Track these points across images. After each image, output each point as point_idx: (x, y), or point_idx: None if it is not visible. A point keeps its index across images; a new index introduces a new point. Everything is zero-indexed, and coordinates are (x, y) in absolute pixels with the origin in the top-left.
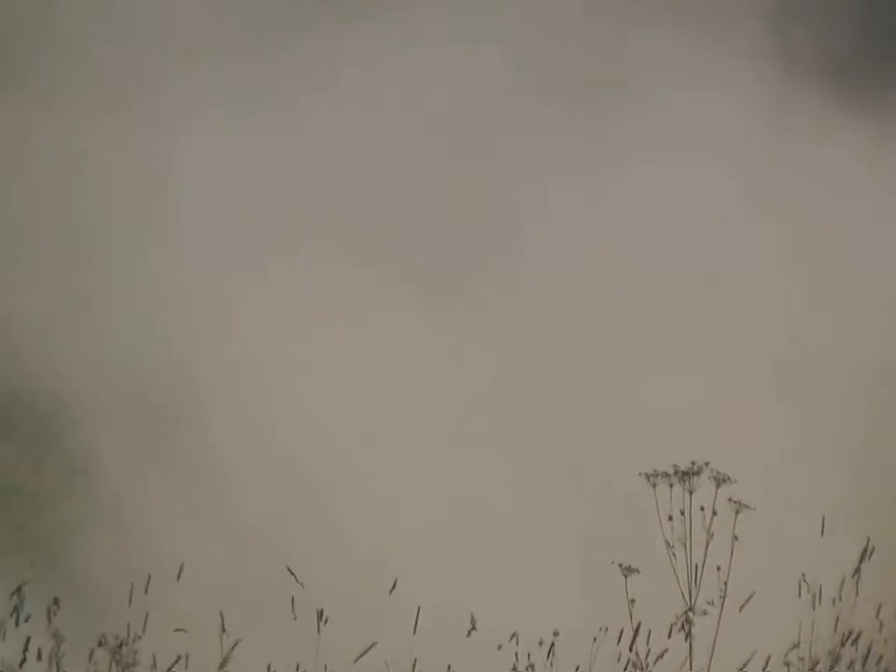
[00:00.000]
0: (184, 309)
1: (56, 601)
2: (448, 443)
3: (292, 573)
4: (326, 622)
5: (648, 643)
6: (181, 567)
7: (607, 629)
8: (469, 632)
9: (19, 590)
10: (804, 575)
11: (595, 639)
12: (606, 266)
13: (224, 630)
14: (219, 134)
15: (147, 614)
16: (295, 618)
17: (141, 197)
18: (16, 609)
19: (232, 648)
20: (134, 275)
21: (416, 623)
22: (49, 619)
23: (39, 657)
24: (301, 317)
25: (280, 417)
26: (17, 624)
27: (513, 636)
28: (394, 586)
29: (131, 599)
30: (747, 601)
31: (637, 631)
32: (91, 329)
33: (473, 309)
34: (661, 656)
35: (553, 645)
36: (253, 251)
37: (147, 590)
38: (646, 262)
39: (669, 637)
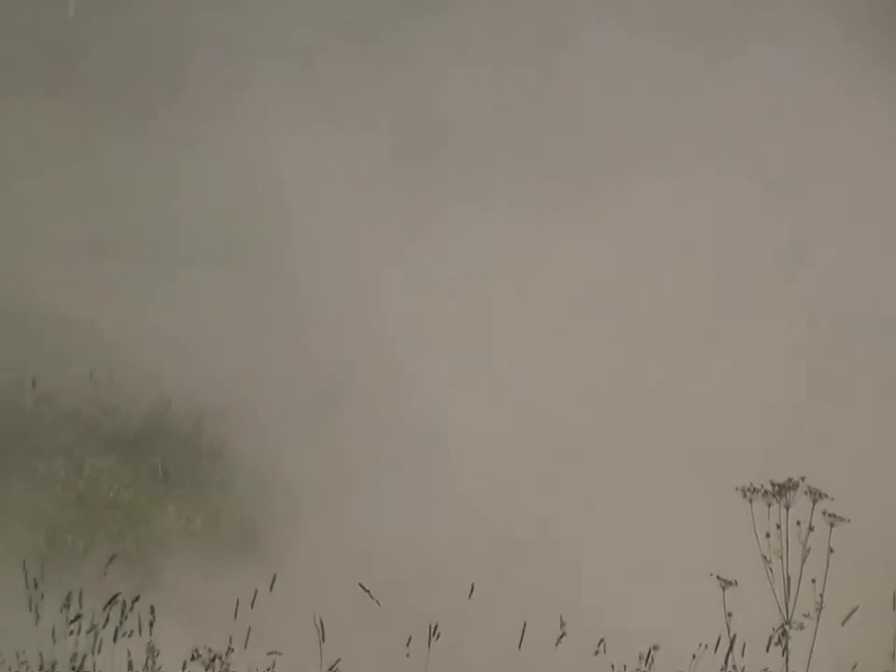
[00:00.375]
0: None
1: (152, 612)
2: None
3: (365, 592)
4: (438, 637)
5: (744, 656)
6: (273, 578)
7: (706, 645)
8: (560, 638)
9: (113, 600)
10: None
11: (693, 656)
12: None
13: (323, 640)
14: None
15: (249, 628)
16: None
17: (270, 199)
18: (108, 621)
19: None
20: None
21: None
22: (141, 631)
23: (130, 668)
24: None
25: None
26: (115, 640)
27: (601, 642)
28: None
29: (236, 613)
30: (849, 615)
31: (732, 644)
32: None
33: None
34: (759, 670)
35: (651, 658)
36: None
37: (253, 604)
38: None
39: (767, 650)
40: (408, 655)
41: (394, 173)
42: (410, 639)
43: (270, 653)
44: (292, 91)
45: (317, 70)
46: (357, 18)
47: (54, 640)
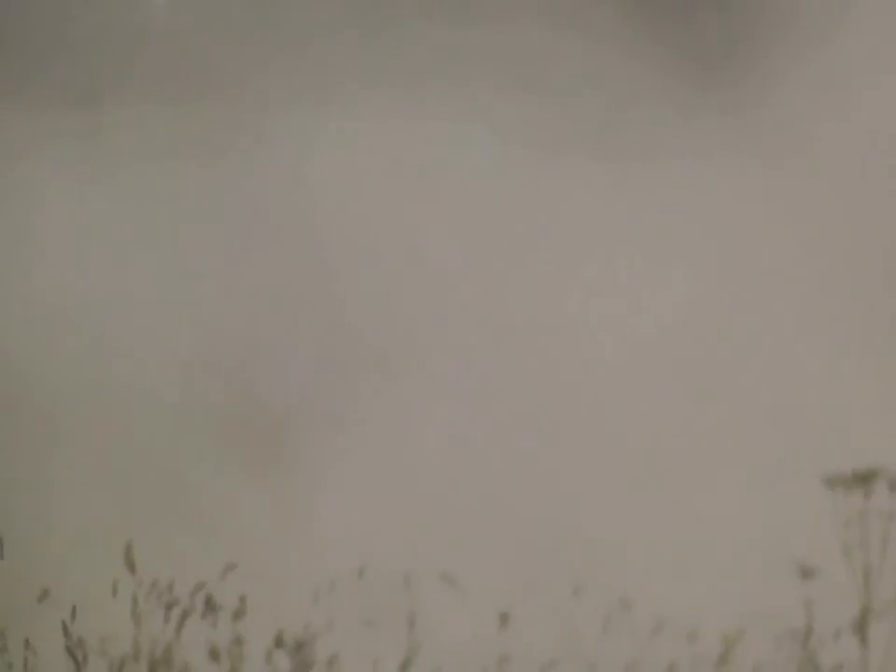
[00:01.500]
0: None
1: (243, 600)
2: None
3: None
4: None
5: (823, 646)
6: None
7: (787, 635)
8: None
9: (201, 588)
10: None
11: (775, 645)
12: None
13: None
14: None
15: (330, 614)
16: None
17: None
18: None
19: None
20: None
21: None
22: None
23: (215, 658)
24: None
25: None
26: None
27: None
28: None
29: (316, 599)
30: None
31: (809, 633)
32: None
33: None
34: (838, 661)
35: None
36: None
37: (332, 590)
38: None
39: (845, 640)
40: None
41: None
42: None
43: None
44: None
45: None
46: None
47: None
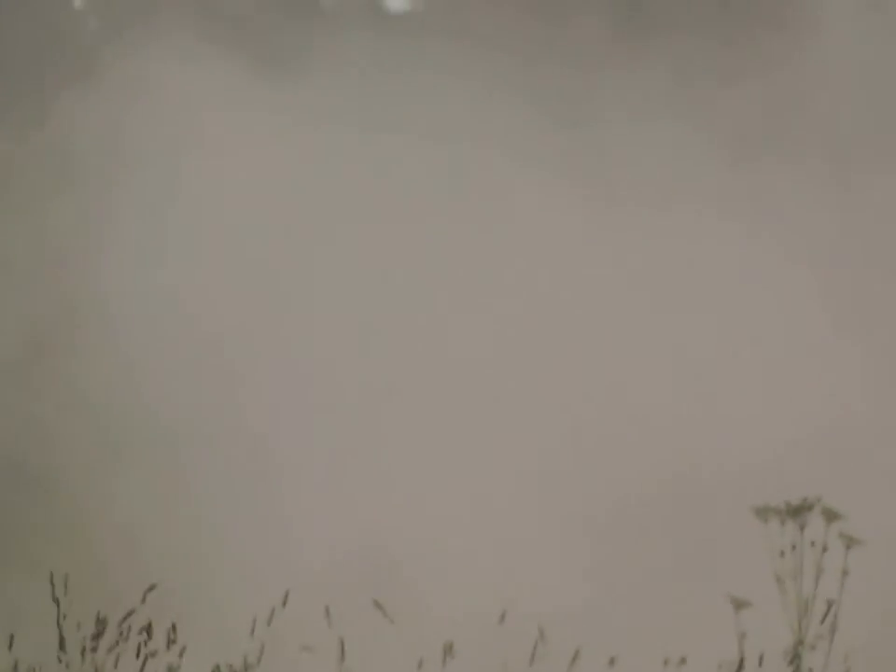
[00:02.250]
0: None
1: (174, 628)
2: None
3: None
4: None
5: None
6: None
7: (719, 666)
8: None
9: (128, 616)
10: None
11: None
12: None
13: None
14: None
15: (262, 645)
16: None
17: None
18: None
19: None
20: None
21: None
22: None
23: None
24: None
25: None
26: (137, 655)
27: (612, 661)
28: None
29: (253, 630)
30: (862, 638)
31: (741, 665)
32: None
33: None
34: None
35: None
36: None
37: (269, 622)
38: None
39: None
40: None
41: None
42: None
43: None
44: None
45: None
46: None
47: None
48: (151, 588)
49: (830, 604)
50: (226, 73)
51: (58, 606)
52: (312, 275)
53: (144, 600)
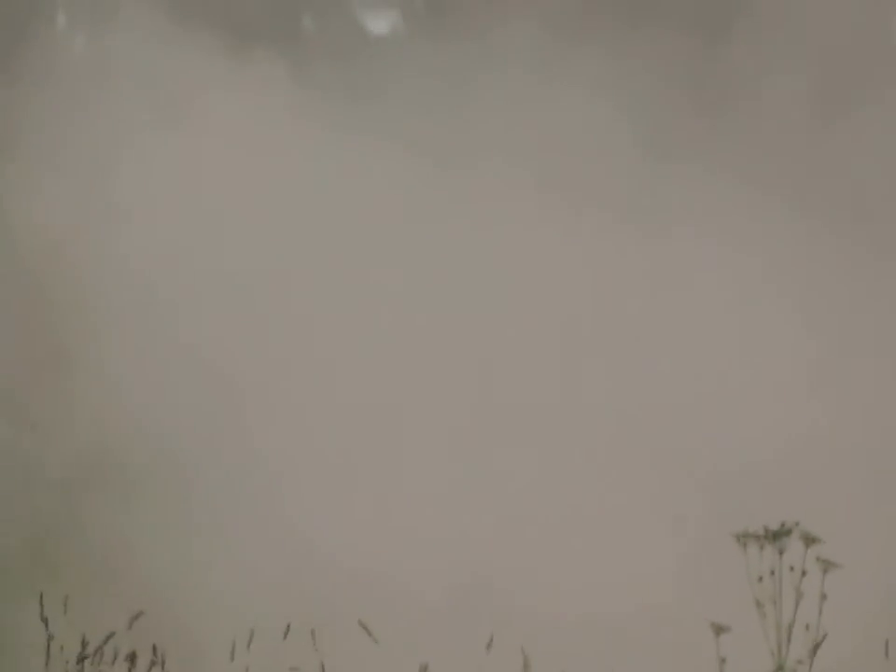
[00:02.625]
0: None
1: (155, 651)
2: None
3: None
4: None
5: None
6: (287, 628)
7: None
8: None
9: (109, 638)
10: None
11: None
12: None
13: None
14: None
15: (246, 669)
16: None
17: None
18: (99, 654)
19: None
20: None
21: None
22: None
23: None
24: None
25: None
26: None
27: None
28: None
29: (233, 655)
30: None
31: None
32: None
33: None
34: None
35: None
36: None
37: (249, 646)
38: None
39: None
40: None
41: None
42: None
43: None
44: None
45: None
46: None
47: None
48: (137, 616)
49: (809, 628)
50: (199, 52)
51: (46, 626)
52: (313, 289)
53: (130, 627)
